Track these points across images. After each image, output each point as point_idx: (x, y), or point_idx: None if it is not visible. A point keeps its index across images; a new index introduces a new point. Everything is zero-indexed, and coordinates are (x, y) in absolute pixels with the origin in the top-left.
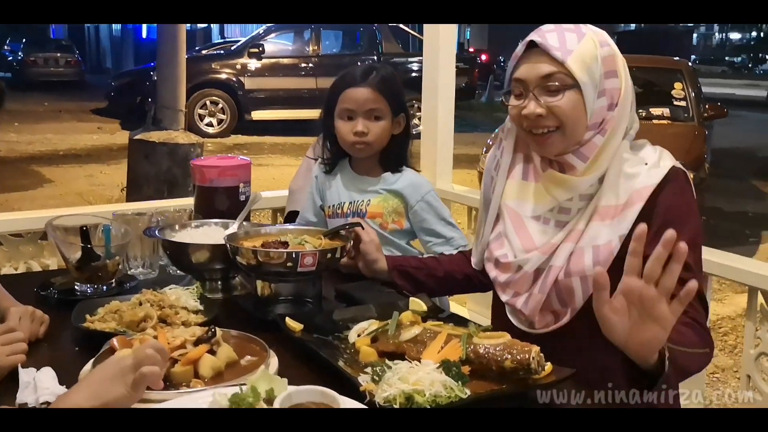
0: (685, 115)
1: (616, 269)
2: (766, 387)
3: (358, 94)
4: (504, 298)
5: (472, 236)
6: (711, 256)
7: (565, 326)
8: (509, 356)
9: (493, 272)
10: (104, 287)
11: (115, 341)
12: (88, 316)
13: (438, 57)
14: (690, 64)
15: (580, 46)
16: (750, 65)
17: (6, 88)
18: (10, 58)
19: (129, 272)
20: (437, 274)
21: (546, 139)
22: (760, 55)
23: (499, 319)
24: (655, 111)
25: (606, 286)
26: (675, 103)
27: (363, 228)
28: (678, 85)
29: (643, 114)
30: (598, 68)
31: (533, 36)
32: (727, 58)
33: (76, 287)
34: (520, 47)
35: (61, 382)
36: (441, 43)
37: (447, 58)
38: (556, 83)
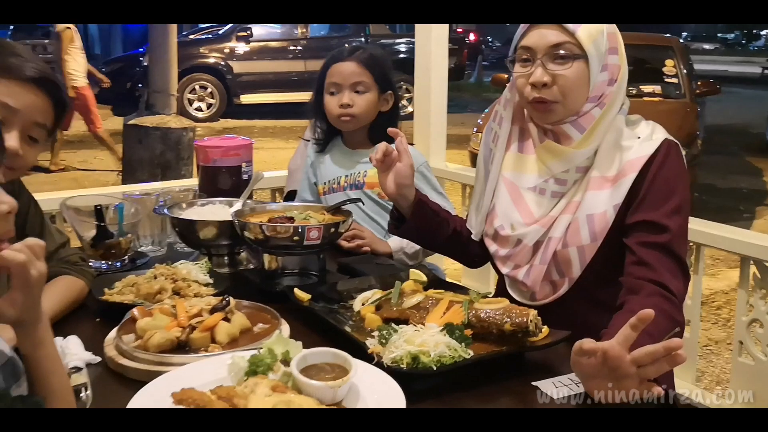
0: (677, 92)
1: (608, 239)
2: (758, 352)
3: (343, 67)
4: (504, 270)
5: (464, 212)
6: (703, 227)
7: (562, 296)
8: (508, 319)
9: (492, 246)
10: (118, 263)
11: (135, 311)
12: (106, 290)
13: (430, 36)
14: (681, 40)
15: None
16: (744, 42)
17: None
18: None
19: (139, 249)
20: (448, 227)
21: (546, 107)
22: (754, 31)
23: (501, 294)
24: (646, 88)
25: (592, 352)
26: (666, 80)
27: (363, 203)
28: (669, 62)
29: (634, 91)
30: (604, 42)
31: None
32: (720, 35)
33: (91, 264)
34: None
35: (86, 349)
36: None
37: (439, 37)
38: (565, 52)
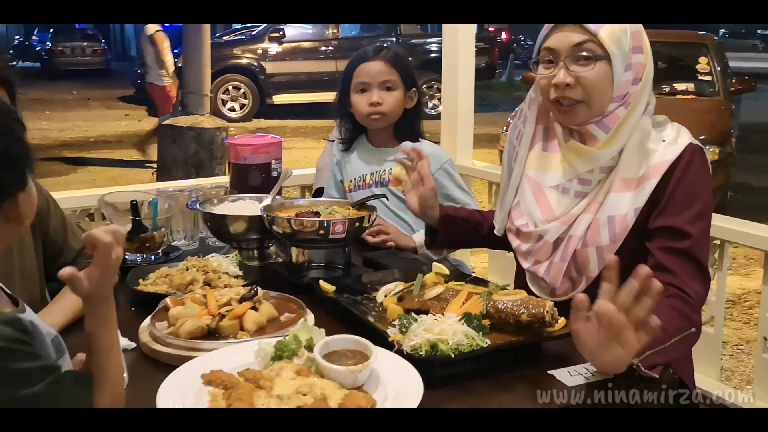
0: (711, 89)
1: (627, 241)
2: None
3: (371, 67)
4: (525, 265)
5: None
6: (727, 223)
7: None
8: (525, 310)
9: (515, 241)
10: (152, 256)
11: (168, 300)
12: (140, 281)
13: (457, 35)
14: (716, 37)
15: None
16: None
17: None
18: (38, 48)
19: (173, 243)
20: (482, 228)
21: (571, 109)
22: None
23: (521, 287)
24: (679, 86)
25: (584, 306)
26: (700, 77)
27: (387, 199)
28: (703, 60)
29: (667, 89)
30: (627, 42)
31: None
32: (759, 32)
33: (126, 257)
34: None
35: (122, 336)
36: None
37: (466, 36)
38: (587, 53)
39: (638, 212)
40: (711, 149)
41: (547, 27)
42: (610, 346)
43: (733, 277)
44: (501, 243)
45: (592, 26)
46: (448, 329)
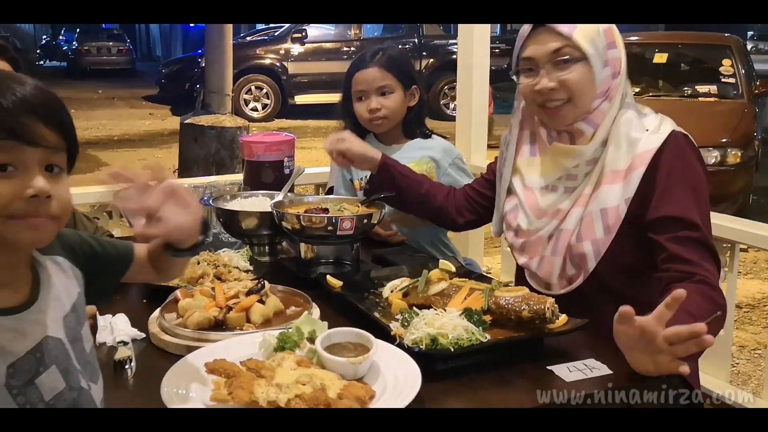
0: (734, 92)
1: (621, 232)
2: None
3: (366, 74)
4: (520, 261)
5: None
6: (738, 225)
7: (577, 289)
8: (527, 306)
9: (511, 239)
10: None
11: (178, 293)
12: None
13: (473, 36)
14: (740, 39)
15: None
16: None
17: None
18: (65, 47)
19: None
20: (418, 189)
21: (558, 111)
22: None
23: (521, 284)
24: (702, 88)
25: (629, 318)
26: (723, 80)
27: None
28: (726, 62)
29: (689, 92)
30: (601, 40)
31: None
32: None
33: None
34: (525, 28)
35: (132, 326)
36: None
37: (481, 37)
38: (566, 57)
39: (629, 202)
40: (733, 152)
41: (521, 36)
42: (642, 356)
43: (753, 281)
44: (434, 213)
45: (565, 30)
46: (448, 323)
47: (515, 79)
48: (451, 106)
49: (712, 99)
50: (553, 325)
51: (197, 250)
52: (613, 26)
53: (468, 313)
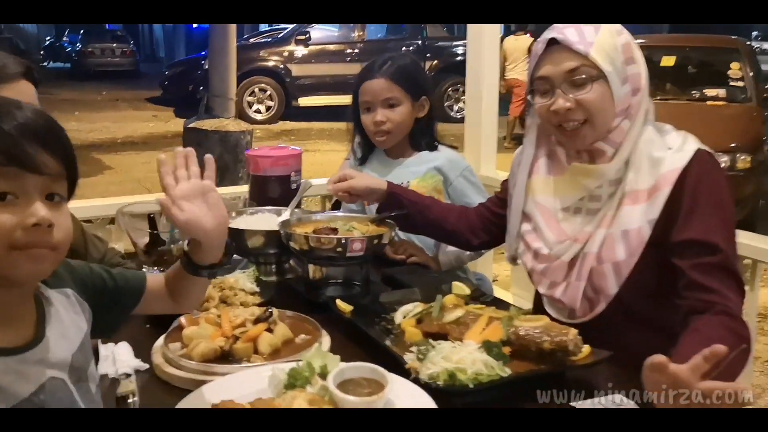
0: (743, 95)
1: (646, 254)
2: None
3: (373, 85)
4: (541, 290)
5: None
6: (761, 243)
7: (599, 315)
8: (548, 338)
9: (530, 263)
10: None
11: (182, 319)
12: None
13: (482, 39)
14: (750, 42)
15: (599, 37)
16: None
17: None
18: (69, 49)
19: None
20: (428, 214)
21: (577, 133)
22: None
23: (539, 310)
24: (710, 92)
25: (663, 368)
26: (731, 83)
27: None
28: (735, 65)
29: (697, 95)
30: (619, 56)
31: (551, 33)
32: None
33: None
34: (540, 46)
35: (135, 356)
36: (485, 28)
37: (491, 40)
38: (582, 76)
39: (653, 224)
40: (742, 157)
41: (535, 55)
42: (663, 396)
43: (764, 289)
44: (445, 236)
45: (581, 48)
46: (467, 358)
47: (530, 99)
48: (455, 108)
49: (720, 103)
50: (576, 358)
51: (216, 270)
52: (632, 41)
53: (487, 346)
